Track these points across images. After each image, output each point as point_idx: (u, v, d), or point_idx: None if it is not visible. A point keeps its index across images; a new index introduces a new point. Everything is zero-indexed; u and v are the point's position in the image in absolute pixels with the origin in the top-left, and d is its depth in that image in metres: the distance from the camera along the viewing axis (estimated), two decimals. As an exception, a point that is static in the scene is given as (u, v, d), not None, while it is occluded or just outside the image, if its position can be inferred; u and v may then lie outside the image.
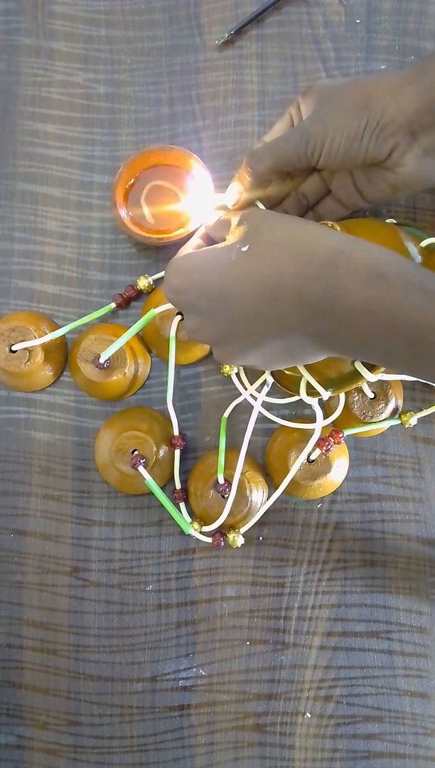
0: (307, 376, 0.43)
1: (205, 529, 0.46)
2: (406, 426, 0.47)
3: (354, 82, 0.41)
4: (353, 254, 0.32)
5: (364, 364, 0.42)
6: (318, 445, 0.45)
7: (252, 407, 0.46)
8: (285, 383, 0.47)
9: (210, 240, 0.44)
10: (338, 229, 0.41)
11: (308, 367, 0.43)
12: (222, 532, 0.46)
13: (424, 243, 0.43)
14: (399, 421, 0.47)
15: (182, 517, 0.46)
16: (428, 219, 0.50)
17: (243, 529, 0.46)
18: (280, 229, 0.34)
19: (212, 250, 0.37)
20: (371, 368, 0.41)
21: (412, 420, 0.47)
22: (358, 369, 0.41)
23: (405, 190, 0.43)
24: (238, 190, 0.45)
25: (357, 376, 0.42)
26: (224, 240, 0.38)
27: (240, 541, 0.46)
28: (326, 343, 0.34)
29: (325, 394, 0.43)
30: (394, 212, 0.50)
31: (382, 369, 0.42)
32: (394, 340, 0.32)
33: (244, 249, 0.35)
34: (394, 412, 0.47)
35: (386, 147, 0.40)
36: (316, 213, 0.47)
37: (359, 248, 0.32)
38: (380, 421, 0.47)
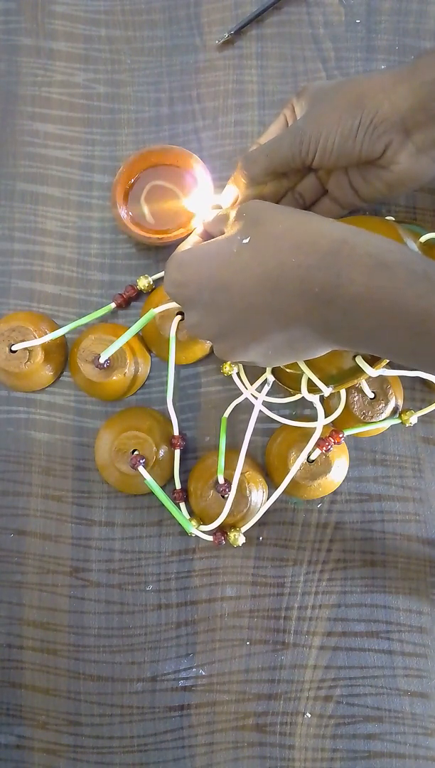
0: (308, 373, 0.43)
1: (204, 528, 0.46)
2: (406, 425, 0.47)
3: (347, 82, 0.41)
4: (356, 244, 0.32)
5: (364, 359, 0.42)
6: (318, 445, 0.45)
7: (252, 407, 0.46)
8: (285, 381, 0.47)
9: (208, 237, 0.44)
10: None
11: (309, 364, 0.43)
12: (223, 530, 0.46)
13: (423, 238, 0.43)
14: (399, 421, 0.47)
15: (184, 516, 0.46)
16: (428, 219, 0.50)
17: (243, 529, 0.46)
18: (281, 220, 0.34)
19: (213, 243, 0.37)
20: (372, 364, 0.41)
21: (412, 419, 0.47)
22: (359, 364, 0.41)
23: (400, 188, 0.43)
24: (234, 193, 0.44)
25: (358, 371, 0.42)
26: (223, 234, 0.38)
27: (241, 539, 0.46)
28: (330, 335, 0.34)
29: (327, 391, 0.43)
30: (395, 212, 0.50)
31: (383, 364, 0.42)
32: (397, 330, 0.31)
33: (245, 241, 0.34)
34: (394, 412, 0.47)
35: (380, 145, 0.40)
36: None
37: (362, 238, 0.32)
38: (380, 420, 0.47)
